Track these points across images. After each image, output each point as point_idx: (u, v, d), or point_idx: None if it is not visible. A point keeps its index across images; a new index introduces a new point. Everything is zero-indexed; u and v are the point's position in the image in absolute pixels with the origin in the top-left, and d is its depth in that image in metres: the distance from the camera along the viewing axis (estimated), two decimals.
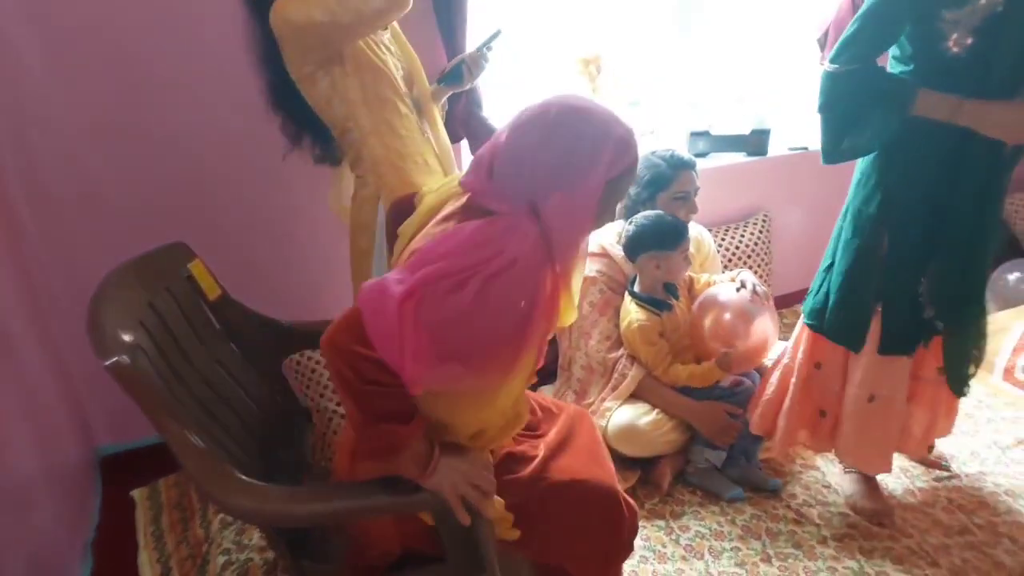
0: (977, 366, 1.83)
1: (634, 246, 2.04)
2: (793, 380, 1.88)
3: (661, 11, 2.62)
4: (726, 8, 2.78)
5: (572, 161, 1.06)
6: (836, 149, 1.62)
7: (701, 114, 2.84)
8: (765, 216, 2.71)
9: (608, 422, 2.02)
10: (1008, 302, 2.75)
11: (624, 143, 1.08)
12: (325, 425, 2.09)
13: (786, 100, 2.91)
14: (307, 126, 1.68)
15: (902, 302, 1.71)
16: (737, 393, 2.05)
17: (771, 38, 2.85)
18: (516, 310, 1.06)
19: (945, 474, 2.08)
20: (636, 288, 2.08)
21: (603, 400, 2.08)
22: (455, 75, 1.77)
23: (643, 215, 2.06)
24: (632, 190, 2.16)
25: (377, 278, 1.05)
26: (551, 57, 2.56)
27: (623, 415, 2.02)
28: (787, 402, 1.90)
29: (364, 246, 1.67)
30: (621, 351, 2.10)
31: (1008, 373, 2.47)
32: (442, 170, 1.72)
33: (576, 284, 1.22)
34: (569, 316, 1.24)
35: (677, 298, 2.10)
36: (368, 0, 1.47)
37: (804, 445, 2.00)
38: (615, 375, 2.08)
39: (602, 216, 1.15)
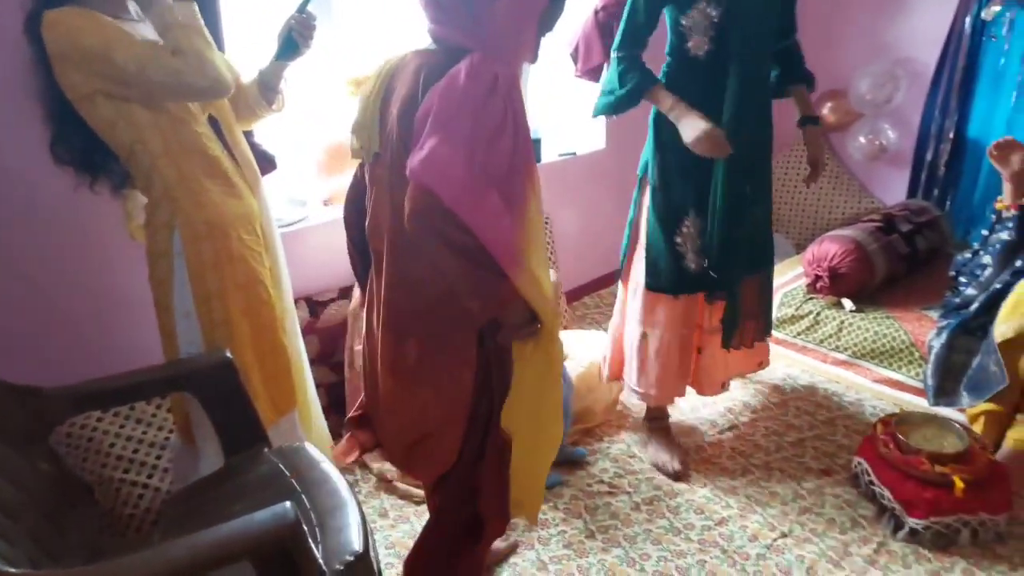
0: (761, 331, 2.19)
1: None
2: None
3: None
4: None
5: None
6: (596, 106, 1.98)
7: None
8: (546, 220, 2.89)
9: None
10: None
11: None
12: (112, 498, 1.86)
13: (553, 110, 3.14)
14: (95, 153, 1.49)
15: (659, 248, 2.00)
16: None
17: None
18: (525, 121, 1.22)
19: (727, 425, 2.37)
20: None
21: None
22: (289, 46, 1.63)
23: None
24: None
25: (424, 152, 1.12)
26: (319, 80, 2.52)
27: None
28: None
29: (162, 275, 1.52)
30: None
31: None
32: (246, 185, 1.60)
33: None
34: None
35: None
36: (184, 73, 1.35)
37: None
38: None
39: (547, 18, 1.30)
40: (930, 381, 2.30)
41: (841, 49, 3.23)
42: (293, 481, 1.49)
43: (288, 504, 1.11)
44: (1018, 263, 2.28)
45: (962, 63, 2.88)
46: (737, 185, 1.91)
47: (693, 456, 2.22)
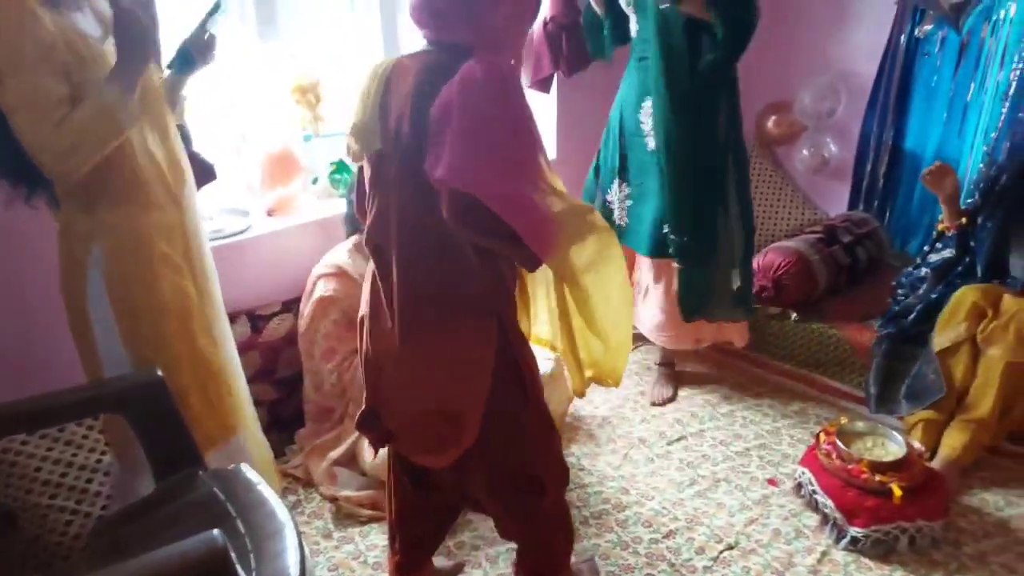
0: (717, 308, 2.37)
1: None
2: None
3: (377, 35, 2.65)
4: None
5: None
6: None
7: None
8: None
9: (365, 450, 1.99)
10: None
11: None
12: (38, 526, 1.76)
13: None
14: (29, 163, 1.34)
15: (604, 203, 2.41)
16: None
17: None
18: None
19: (676, 436, 2.38)
20: None
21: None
22: (184, 60, 1.55)
23: None
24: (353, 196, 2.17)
25: (450, 156, 1.20)
26: (265, 86, 2.46)
27: None
28: None
29: (77, 290, 1.43)
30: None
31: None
32: (171, 196, 1.49)
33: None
34: None
35: None
36: (46, 145, 1.25)
37: None
38: (356, 390, 2.06)
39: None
40: (871, 390, 2.35)
41: (785, 62, 3.30)
42: (228, 505, 1.43)
43: (216, 532, 1.06)
44: (956, 280, 2.36)
45: (898, 79, 2.97)
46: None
47: (642, 469, 2.22)
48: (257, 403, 2.20)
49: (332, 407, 2.17)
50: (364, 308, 1.48)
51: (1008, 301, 2.15)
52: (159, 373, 1.45)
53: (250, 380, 2.17)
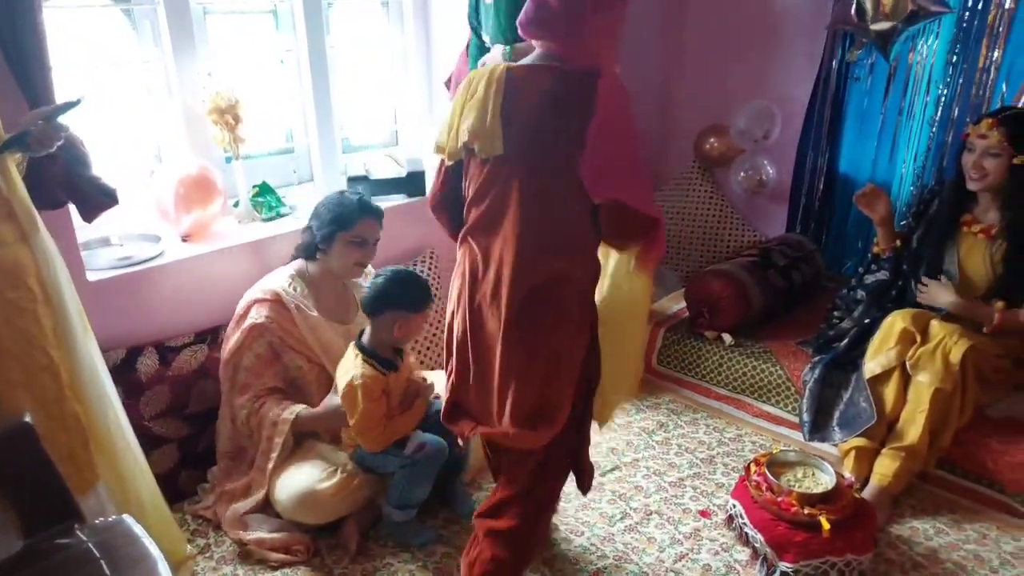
0: None
1: (379, 302, 1.90)
2: None
3: (299, 57, 2.57)
4: (359, 54, 2.84)
5: None
6: None
7: (359, 159, 2.85)
8: (432, 253, 2.80)
9: (277, 491, 1.88)
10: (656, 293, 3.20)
11: None
12: None
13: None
14: None
15: None
16: (418, 461, 1.96)
17: (413, 84, 2.98)
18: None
19: (610, 467, 2.31)
20: (364, 343, 1.95)
21: (268, 468, 1.94)
22: (18, 143, 1.43)
23: (393, 270, 1.96)
24: (315, 223, 2.09)
25: (613, 176, 1.49)
26: (182, 107, 2.35)
27: (296, 480, 1.89)
28: None
29: None
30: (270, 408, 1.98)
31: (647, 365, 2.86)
32: (16, 234, 1.40)
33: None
34: None
35: (402, 360, 1.99)
36: None
37: None
38: (263, 435, 1.96)
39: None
40: (805, 417, 2.32)
41: (722, 86, 3.31)
42: (103, 564, 1.32)
43: None
44: (889, 304, 2.36)
45: (831, 103, 3.00)
46: None
47: (573, 503, 2.15)
48: (166, 440, 2.09)
49: (244, 446, 2.06)
50: (455, 305, 1.61)
51: (935, 326, 2.14)
52: (27, 419, 1.33)
53: (159, 415, 2.07)
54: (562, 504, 2.13)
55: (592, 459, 2.32)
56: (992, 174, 2.11)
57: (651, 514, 2.10)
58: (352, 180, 2.67)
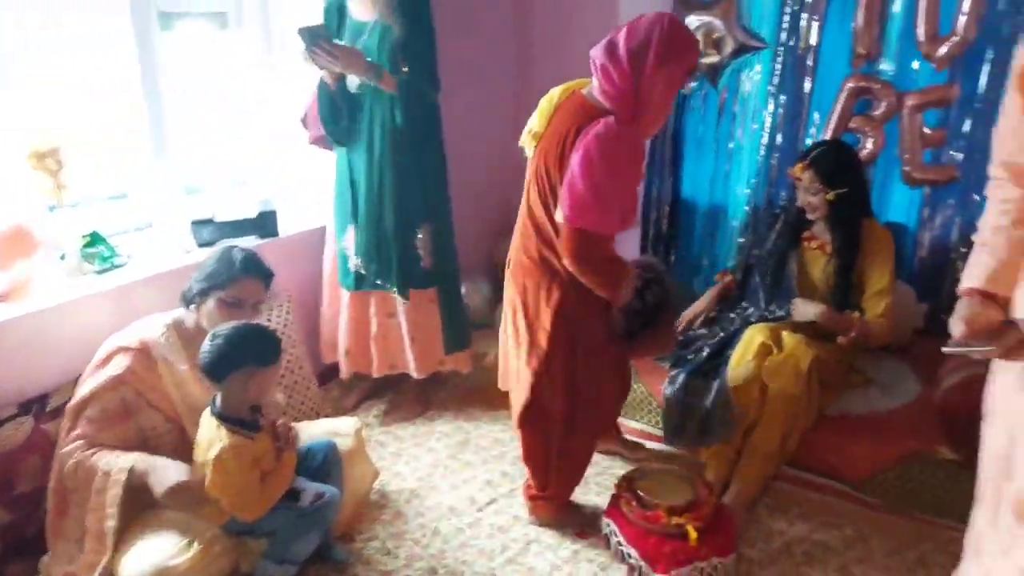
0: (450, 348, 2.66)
1: (223, 364, 1.73)
2: None
3: (132, 96, 2.40)
4: (203, 89, 2.71)
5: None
6: None
7: (203, 201, 2.69)
8: (288, 297, 2.68)
9: (123, 570, 1.70)
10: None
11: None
12: None
13: (290, 179, 2.96)
14: None
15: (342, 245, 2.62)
16: (316, 509, 1.87)
17: (263, 119, 2.87)
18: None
19: (487, 501, 2.30)
20: (219, 409, 1.78)
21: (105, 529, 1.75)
22: None
23: (233, 327, 1.77)
24: (194, 274, 1.94)
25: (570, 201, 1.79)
26: None
27: (144, 558, 1.70)
28: None
29: None
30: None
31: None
32: None
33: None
34: None
35: (262, 417, 1.84)
36: None
37: None
38: (93, 489, 1.76)
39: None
40: (667, 426, 2.43)
41: None
42: None
43: None
44: (748, 311, 2.54)
45: (671, 132, 3.20)
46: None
47: (452, 543, 2.11)
48: None
49: (75, 514, 1.83)
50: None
51: (786, 337, 2.32)
52: None
53: None
54: (441, 545, 2.10)
55: (468, 495, 2.33)
56: (819, 208, 2.37)
57: (530, 543, 2.11)
58: (197, 224, 2.51)
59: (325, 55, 2.24)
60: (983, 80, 2.56)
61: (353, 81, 2.41)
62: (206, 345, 1.76)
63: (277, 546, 1.83)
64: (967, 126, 2.62)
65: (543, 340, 1.95)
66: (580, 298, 1.94)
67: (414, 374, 2.68)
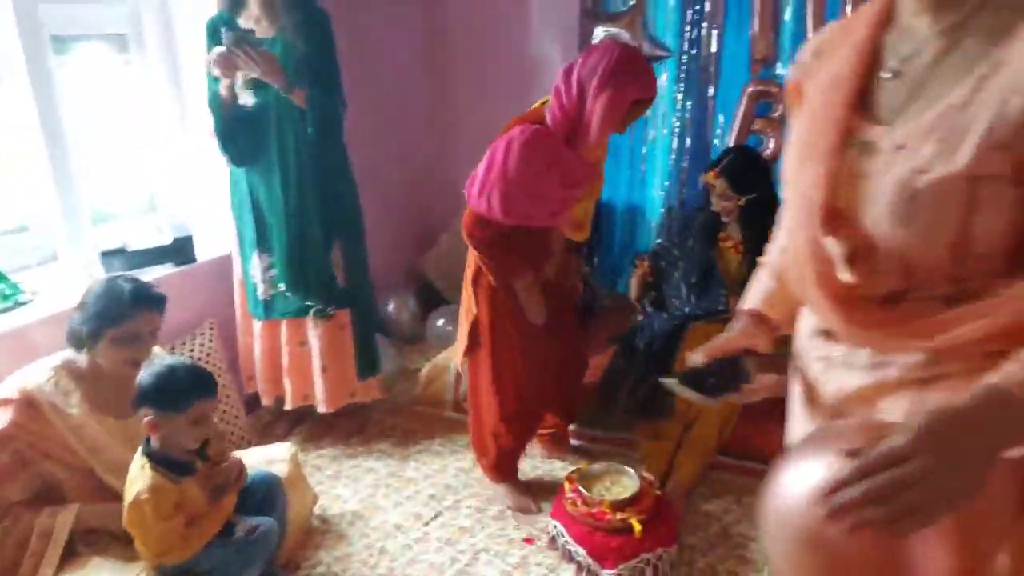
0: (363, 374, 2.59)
1: (134, 400, 1.65)
2: None
3: (28, 123, 2.26)
4: (106, 113, 2.59)
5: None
6: None
7: (112, 230, 2.57)
8: (211, 324, 2.59)
9: None
10: (442, 342, 3.24)
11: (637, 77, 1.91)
12: None
13: (204, 200, 2.85)
14: None
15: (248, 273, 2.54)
16: (253, 542, 1.79)
17: (171, 141, 2.76)
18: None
19: (432, 515, 2.29)
20: (151, 448, 1.66)
21: None
22: None
23: (164, 365, 1.66)
24: (78, 315, 1.79)
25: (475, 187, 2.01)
26: None
27: None
28: None
29: None
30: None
31: (457, 405, 2.88)
32: None
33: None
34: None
35: (203, 458, 1.72)
36: None
37: None
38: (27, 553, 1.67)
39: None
40: (601, 395, 2.58)
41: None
42: None
43: None
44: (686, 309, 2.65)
45: None
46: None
47: (400, 560, 2.09)
48: None
49: None
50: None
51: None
52: None
53: None
54: (389, 564, 2.07)
55: (413, 511, 2.31)
56: (732, 211, 2.52)
57: (479, 553, 2.11)
58: (107, 255, 2.39)
59: (246, 58, 2.18)
60: None
61: (248, 98, 2.34)
62: (139, 380, 1.67)
63: None
64: None
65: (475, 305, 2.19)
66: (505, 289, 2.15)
67: (320, 407, 2.58)
